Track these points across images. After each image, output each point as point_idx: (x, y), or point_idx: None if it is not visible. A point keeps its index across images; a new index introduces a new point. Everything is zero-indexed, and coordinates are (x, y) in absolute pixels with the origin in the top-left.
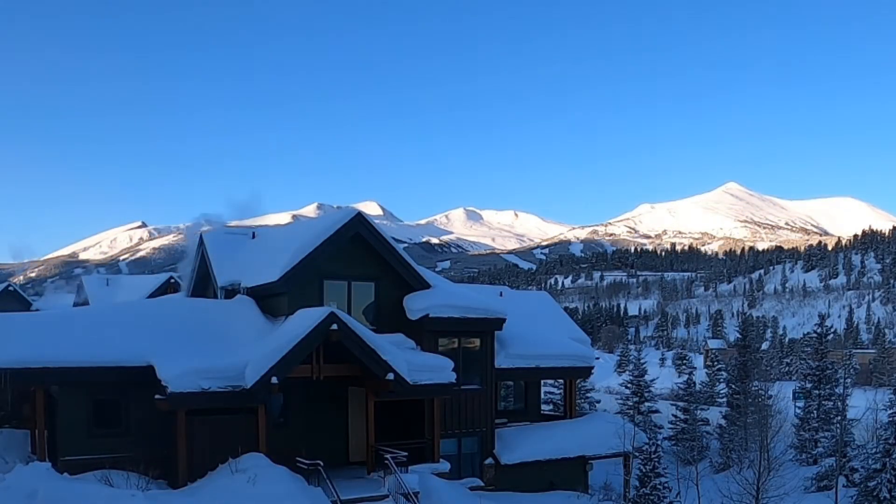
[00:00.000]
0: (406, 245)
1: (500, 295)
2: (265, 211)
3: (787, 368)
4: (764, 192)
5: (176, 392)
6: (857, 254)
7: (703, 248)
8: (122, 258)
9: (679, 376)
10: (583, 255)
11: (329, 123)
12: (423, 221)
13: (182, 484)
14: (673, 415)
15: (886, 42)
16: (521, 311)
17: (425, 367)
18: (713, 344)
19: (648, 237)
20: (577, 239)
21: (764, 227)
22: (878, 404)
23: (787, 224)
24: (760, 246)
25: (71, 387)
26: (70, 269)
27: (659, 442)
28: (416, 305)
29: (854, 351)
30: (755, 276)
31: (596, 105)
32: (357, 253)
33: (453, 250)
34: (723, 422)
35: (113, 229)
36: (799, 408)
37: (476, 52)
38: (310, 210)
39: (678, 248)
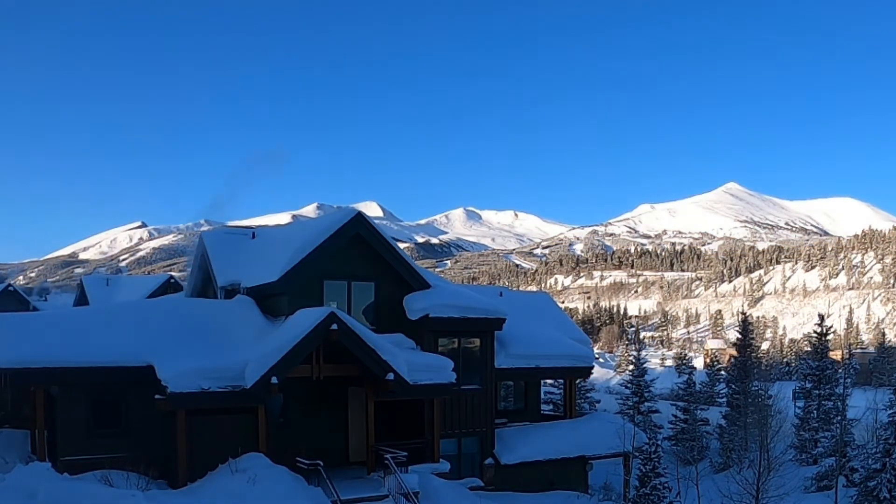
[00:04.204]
0: (406, 245)
1: (500, 295)
2: (265, 211)
3: (787, 368)
4: (764, 192)
5: (176, 392)
6: (857, 254)
7: (703, 248)
8: (122, 258)
9: (679, 376)
10: (583, 255)
11: (329, 123)
12: (423, 221)
13: (182, 484)
14: (673, 415)
15: (886, 42)
16: (521, 311)
17: (425, 367)
18: (713, 344)
19: (648, 237)
20: (577, 239)
21: (764, 227)
22: (878, 404)
23: (787, 224)
24: (760, 246)
25: (71, 387)
26: (70, 269)
27: (659, 442)
28: (416, 305)
29: (854, 351)
30: (755, 276)
31: (596, 105)
32: (357, 253)
33: (453, 250)
34: (723, 422)
35: (113, 229)
36: (799, 408)
37: (475, 53)
38: (310, 210)
39: (678, 248)
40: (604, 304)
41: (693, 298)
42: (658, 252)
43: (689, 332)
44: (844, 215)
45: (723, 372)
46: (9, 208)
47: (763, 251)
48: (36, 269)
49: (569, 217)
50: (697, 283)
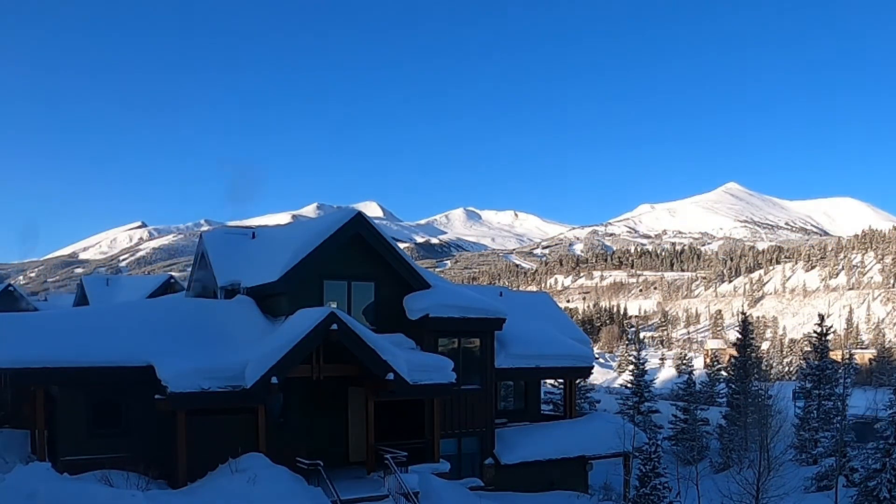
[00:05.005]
0: (406, 245)
1: (500, 295)
2: (265, 211)
3: (787, 368)
4: (764, 192)
5: (176, 392)
6: (857, 254)
7: (703, 248)
8: (122, 258)
9: (679, 376)
10: (583, 255)
11: (329, 123)
12: (423, 221)
13: (182, 484)
14: (673, 415)
15: (887, 41)
16: (521, 311)
17: (425, 367)
18: (713, 344)
19: (648, 237)
20: (577, 239)
21: (764, 227)
22: (878, 404)
23: (787, 224)
24: (760, 246)
25: (71, 387)
26: (70, 269)
27: (659, 442)
28: (416, 305)
29: (854, 351)
30: (755, 276)
31: (596, 105)
32: (357, 253)
33: (453, 250)
34: (723, 422)
35: (113, 229)
36: (799, 408)
37: (475, 53)
38: (310, 210)
39: (678, 248)
40: (604, 304)
41: (693, 298)
42: (658, 252)
43: (689, 332)
44: (844, 215)
45: (723, 372)
46: (9, 208)
47: (763, 251)
48: (36, 269)
49: (569, 217)
50: (697, 283)
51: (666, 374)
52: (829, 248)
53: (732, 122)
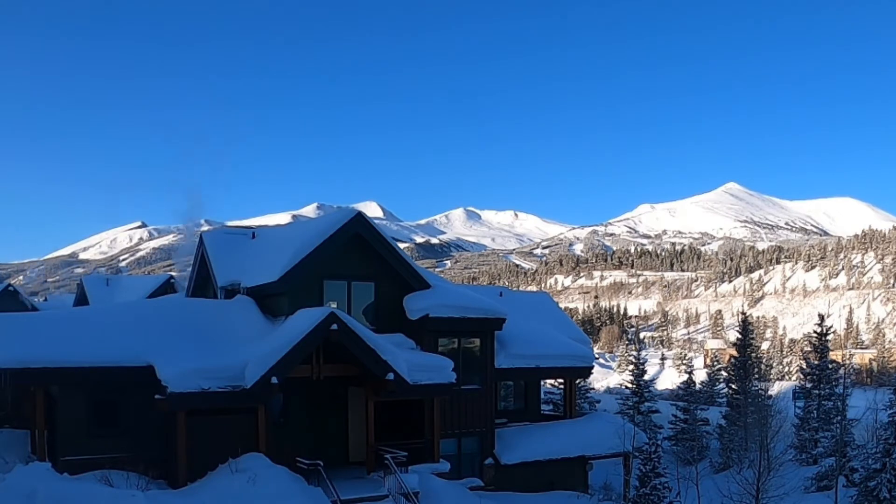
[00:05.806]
0: (406, 245)
1: (500, 295)
2: (265, 211)
3: (787, 368)
4: (764, 192)
5: (176, 392)
6: (857, 254)
7: (703, 248)
8: (122, 258)
9: (679, 376)
10: (583, 255)
11: (329, 124)
12: (423, 221)
13: (182, 484)
14: (673, 415)
15: (887, 41)
16: (521, 311)
17: (425, 367)
18: (713, 344)
19: (648, 237)
20: (577, 239)
21: (764, 227)
22: (878, 404)
23: (787, 224)
24: (760, 246)
25: (71, 387)
26: (70, 269)
27: (659, 442)
28: (416, 305)
29: (854, 351)
30: (755, 276)
31: (596, 105)
32: (357, 253)
33: (453, 250)
34: (723, 422)
35: (113, 229)
36: (799, 408)
37: (474, 53)
38: (310, 210)
39: (678, 248)
40: (604, 304)
41: (693, 298)
42: (658, 252)
43: (689, 332)
44: (844, 215)
45: (723, 372)
46: (9, 209)
47: (763, 251)
48: (36, 269)
49: (569, 217)
50: (697, 283)
51: (666, 374)
52: (829, 248)
53: (732, 122)
